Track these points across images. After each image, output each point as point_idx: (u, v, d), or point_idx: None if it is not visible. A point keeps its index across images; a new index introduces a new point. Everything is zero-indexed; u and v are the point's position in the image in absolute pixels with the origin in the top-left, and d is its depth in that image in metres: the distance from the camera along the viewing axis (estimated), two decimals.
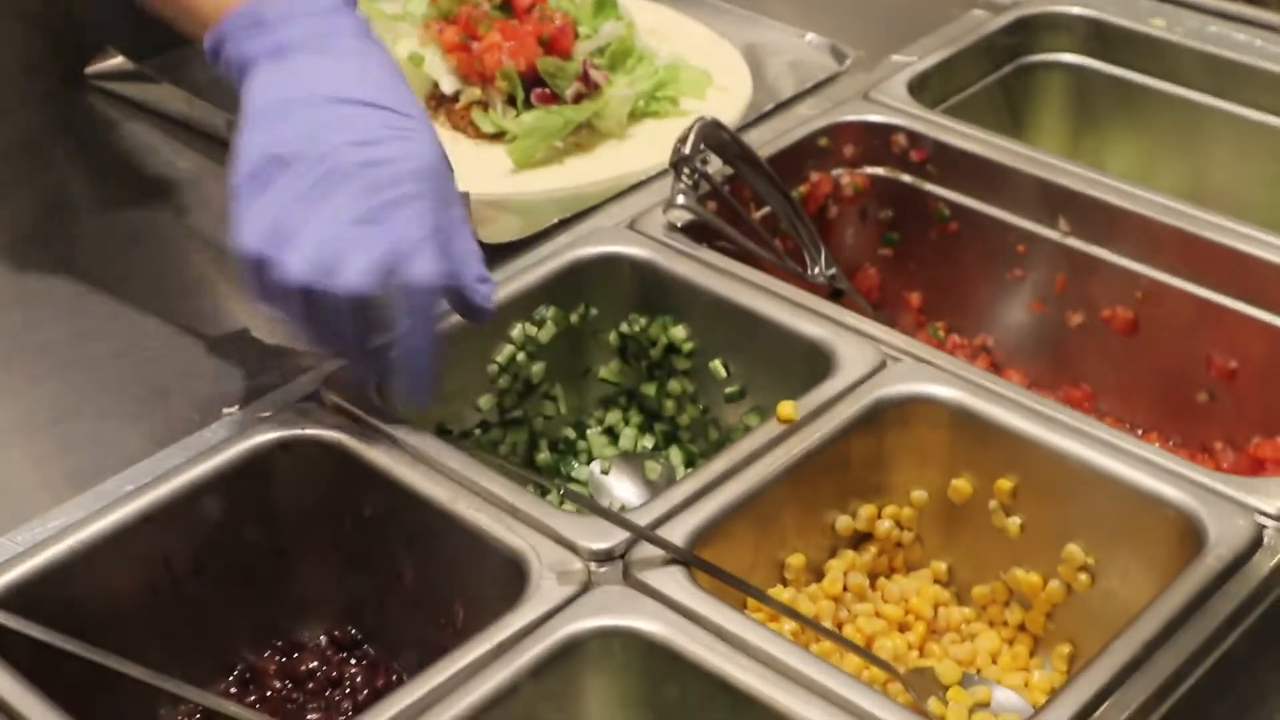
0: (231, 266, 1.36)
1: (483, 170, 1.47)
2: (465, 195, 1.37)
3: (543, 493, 1.18)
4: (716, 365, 1.29)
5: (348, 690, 1.16)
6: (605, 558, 1.06)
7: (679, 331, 1.31)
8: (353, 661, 1.18)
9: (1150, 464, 1.12)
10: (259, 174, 1.07)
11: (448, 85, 1.52)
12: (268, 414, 1.18)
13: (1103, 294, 1.43)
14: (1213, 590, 1.04)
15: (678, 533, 1.07)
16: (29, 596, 1.05)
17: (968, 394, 1.18)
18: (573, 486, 1.33)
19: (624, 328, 1.33)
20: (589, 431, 1.36)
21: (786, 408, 1.16)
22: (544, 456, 1.33)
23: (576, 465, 1.35)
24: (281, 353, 1.27)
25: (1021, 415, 1.17)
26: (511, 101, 1.50)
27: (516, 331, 1.29)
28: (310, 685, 1.17)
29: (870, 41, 1.66)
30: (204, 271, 1.38)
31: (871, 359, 1.21)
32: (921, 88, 1.55)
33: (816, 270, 1.42)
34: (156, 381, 1.25)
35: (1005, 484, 1.17)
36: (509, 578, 1.06)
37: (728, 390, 1.30)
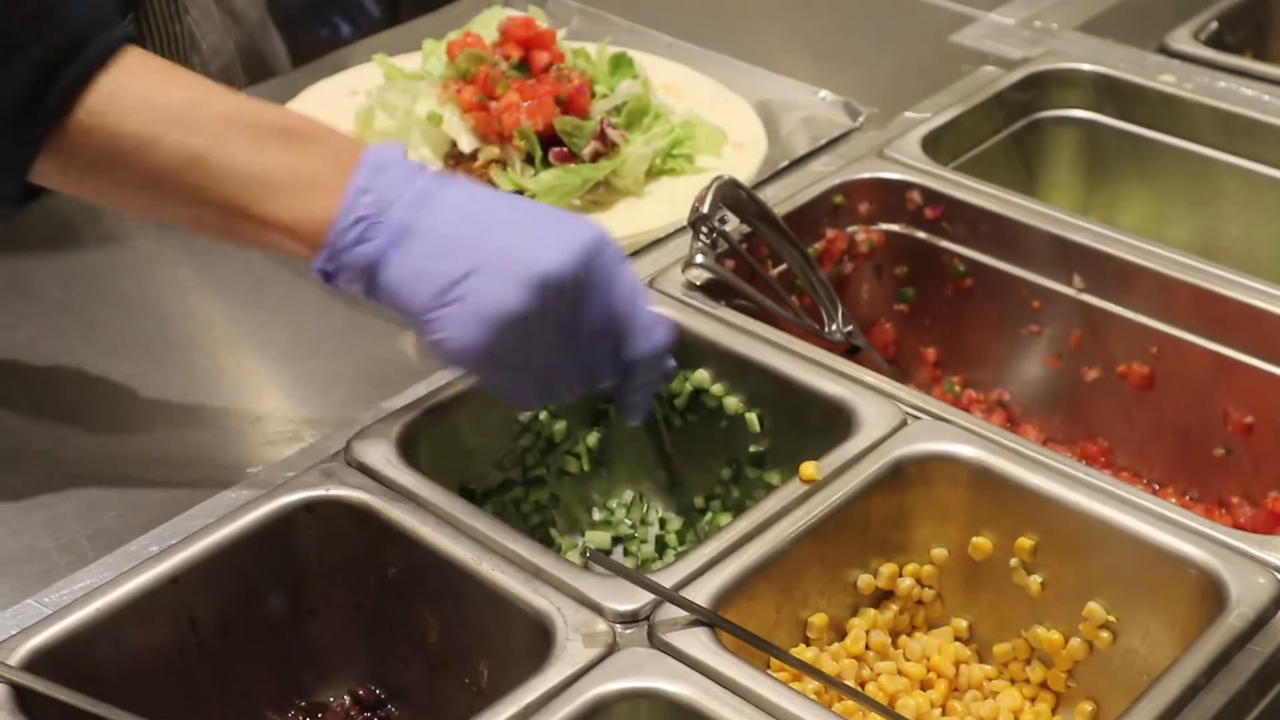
0: (254, 324, 1.39)
1: None
2: None
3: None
4: (751, 418, 1.29)
5: None
6: (630, 619, 1.06)
7: (701, 375, 1.31)
8: None
9: (1171, 522, 1.12)
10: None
11: (466, 144, 1.52)
12: (293, 475, 1.18)
13: (1118, 349, 1.43)
14: (1236, 649, 1.04)
15: (702, 593, 1.07)
16: (56, 659, 1.05)
17: (988, 452, 1.19)
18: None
19: None
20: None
21: (809, 468, 1.16)
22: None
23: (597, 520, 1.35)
24: (305, 411, 1.28)
25: (1042, 474, 1.17)
26: (530, 160, 1.51)
27: None
28: None
29: (883, 98, 1.67)
30: (227, 330, 1.38)
31: (892, 417, 1.21)
32: (935, 144, 1.56)
33: (834, 327, 1.42)
34: (180, 442, 1.25)
35: (1026, 542, 1.17)
36: (534, 639, 1.06)
37: (752, 449, 1.30)
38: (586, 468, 1.34)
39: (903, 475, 1.19)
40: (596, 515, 1.35)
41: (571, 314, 1.10)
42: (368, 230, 1.08)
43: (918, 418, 1.22)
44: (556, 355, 1.11)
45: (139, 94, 1.09)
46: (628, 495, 1.35)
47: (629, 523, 1.35)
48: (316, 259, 1.10)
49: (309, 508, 1.15)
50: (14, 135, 1.08)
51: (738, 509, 1.32)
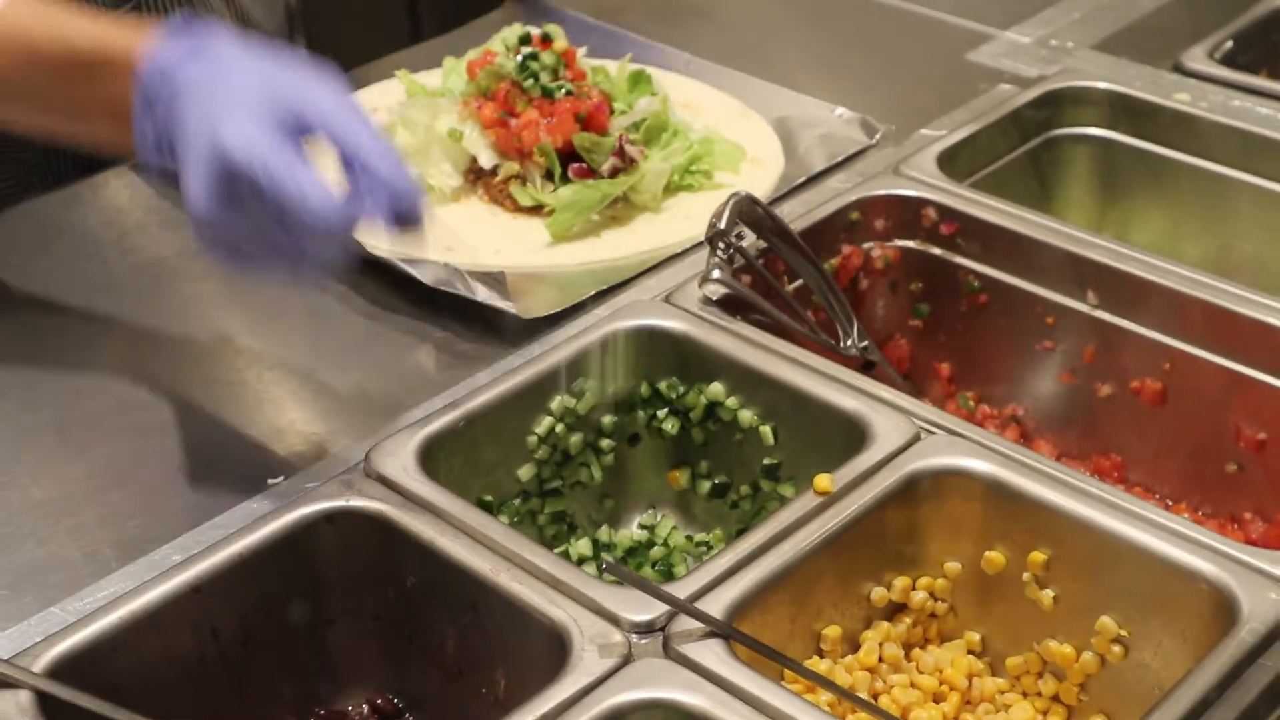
0: (275, 336, 1.40)
1: (520, 243, 1.48)
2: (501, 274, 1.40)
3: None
4: (766, 431, 1.30)
5: None
6: (646, 630, 1.06)
7: (716, 388, 1.32)
8: None
9: (1183, 537, 1.13)
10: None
11: (486, 160, 1.53)
12: (313, 485, 1.19)
13: (1132, 365, 1.44)
14: (1247, 664, 1.04)
15: (717, 605, 1.08)
16: (79, 666, 1.06)
17: (1001, 467, 1.19)
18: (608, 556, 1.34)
19: (662, 386, 1.34)
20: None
21: (823, 480, 1.17)
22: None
23: (612, 532, 1.36)
24: (325, 423, 1.29)
25: (1054, 489, 1.17)
26: (549, 176, 1.52)
27: (555, 403, 1.30)
28: None
29: (900, 115, 1.67)
30: (249, 342, 1.39)
31: (906, 432, 1.22)
32: (951, 161, 1.56)
33: (849, 342, 1.43)
34: (202, 452, 1.26)
35: (1038, 556, 1.18)
36: (550, 649, 1.06)
37: (766, 461, 1.31)
38: (600, 479, 1.35)
39: (916, 489, 1.19)
40: (611, 527, 1.36)
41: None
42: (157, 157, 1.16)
43: (932, 432, 1.23)
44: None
45: None
46: (642, 507, 1.37)
47: (643, 535, 1.36)
48: None
49: (329, 518, 1.16)
50: None
51: (750, 522, 1.33)
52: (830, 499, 1.17)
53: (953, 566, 1.22)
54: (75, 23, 1.21)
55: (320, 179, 1.08)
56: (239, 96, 1.10)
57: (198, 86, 1.13)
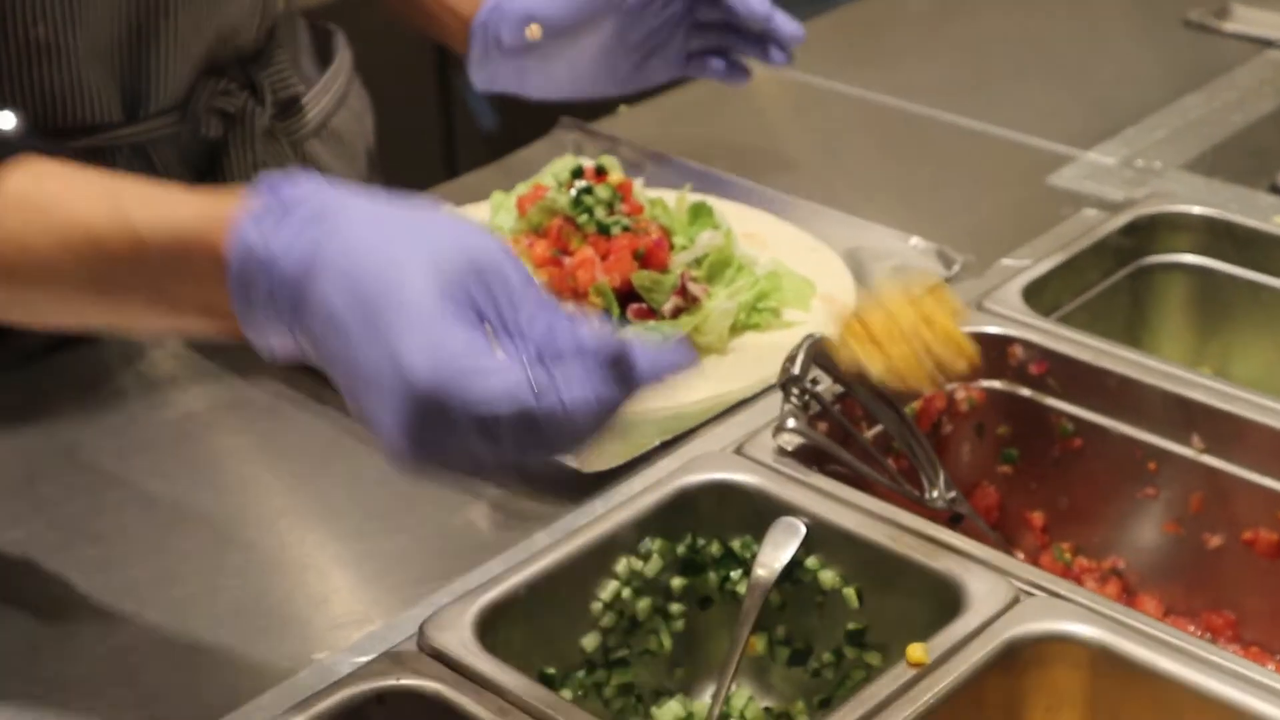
0: (316, 497, 1.39)
1: None
2: None
3: None
4: (849, 593, 1.28)
5: None
6: None
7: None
8: None
9: None
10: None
11: None
12: (362, 661, 1.17)
13: (1244, 514, 1.41)
14: None
15: None
16: None
17: (1109, 633, 1.17)
18: None
19: (736, 545, 1.32)
20: None
21: (917, 651, 1.15)
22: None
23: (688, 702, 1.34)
24: (372, 590, 1.28)
25: (1169, 655, 1.15)
26: (606, 317, 1.51)
27: (621, 566, 1.29)
28: None
29: (978, 244, 1.66)
30: (288, 504, 1.39)
31: (1003, 594, 1.20)
32: (1037, 294, 1.55)
33: (935, 493, 1.41)
34: (242, 626, 1.25)
35: None
36: None
37: (850, 626, 1.29)
38: (669, 647, 1.33)
39: (1017, 658, 1.17)
40: (682, 699, 1.34)
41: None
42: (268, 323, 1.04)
43: (1031, 594, 1.21)
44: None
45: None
46: (715, 676, 1.34)
47: (717, 708, 1.33)
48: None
49: (380, 698, 1.14)
50: None
51: (834, 692, 1.31)
52: (924, 670, 1.14)
53: None
54: (137, 200, 1.07)
55: (520, 377, 0.96)
56: (408, 295, 0.97)
57: (339, 276, 0.98)
